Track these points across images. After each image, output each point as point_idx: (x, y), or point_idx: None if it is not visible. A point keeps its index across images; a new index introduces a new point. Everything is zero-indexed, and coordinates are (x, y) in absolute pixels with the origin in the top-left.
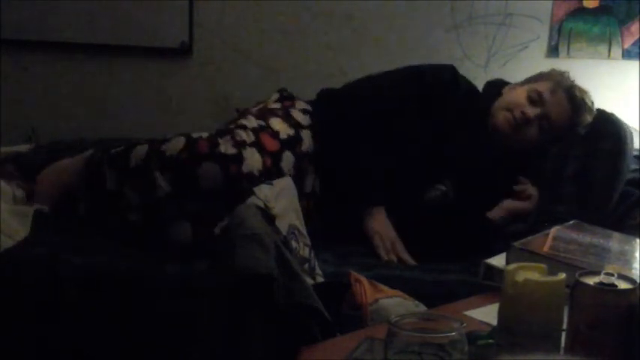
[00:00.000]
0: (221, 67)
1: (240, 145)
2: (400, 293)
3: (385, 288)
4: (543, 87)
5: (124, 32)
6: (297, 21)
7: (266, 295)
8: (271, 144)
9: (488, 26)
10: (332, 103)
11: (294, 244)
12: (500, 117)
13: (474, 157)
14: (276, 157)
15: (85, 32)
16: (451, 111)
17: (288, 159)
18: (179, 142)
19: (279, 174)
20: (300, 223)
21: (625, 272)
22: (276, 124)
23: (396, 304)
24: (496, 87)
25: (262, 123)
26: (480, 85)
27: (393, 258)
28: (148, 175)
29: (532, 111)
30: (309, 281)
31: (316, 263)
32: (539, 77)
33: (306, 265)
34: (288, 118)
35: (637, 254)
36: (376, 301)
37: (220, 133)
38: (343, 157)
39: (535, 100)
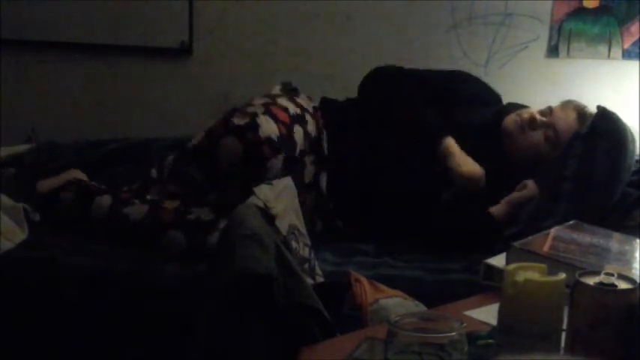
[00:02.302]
0: (221, 67)
1: (253, 114)
2: (400, 293)
3: (385, 288)
4: (557, 105)
5: (124, 32)
6: (298, 21)
7: (266, 295)
8: (282, 115)
9: (488, 26)
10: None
11: (294, 244)
12: (510, 119)
13: (485, 163)
14: (289, 128)
15: (85, 32)
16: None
17: (299, 132)
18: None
19: (293, 146)
20: (300, 223)
21: (625, 272)
22: (284, 102)
23: (396, 304)
24: (515, 106)
25: (269, 100)
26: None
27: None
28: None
29: (539, 118)
30: (309, 281)
31: (316, 263)
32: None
33: (306, 265)
34: (294, 100)
35: (637, 254)
36: (376, 301)
37: (231, 113)
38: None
39: (546, 112)
